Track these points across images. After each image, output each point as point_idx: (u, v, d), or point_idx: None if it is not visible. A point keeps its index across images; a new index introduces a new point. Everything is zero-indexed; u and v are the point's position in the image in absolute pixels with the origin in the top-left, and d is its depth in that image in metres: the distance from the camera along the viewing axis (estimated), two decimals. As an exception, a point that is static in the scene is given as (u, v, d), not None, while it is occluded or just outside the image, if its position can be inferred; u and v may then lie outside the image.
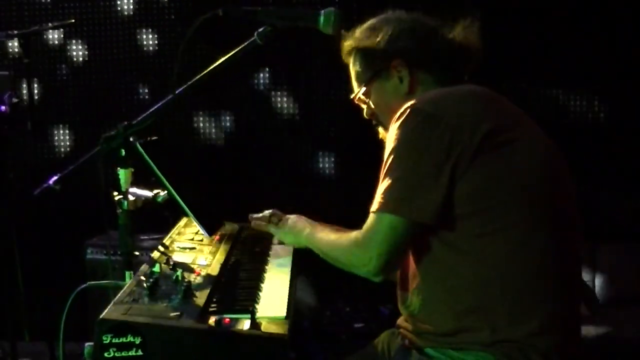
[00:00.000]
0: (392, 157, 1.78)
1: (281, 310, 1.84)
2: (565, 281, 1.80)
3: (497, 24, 3.67)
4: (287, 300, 1.93)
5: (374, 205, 1.80)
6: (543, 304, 1.76)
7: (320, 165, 4.19)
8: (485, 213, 1.75)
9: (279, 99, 4.17)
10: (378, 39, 1.96)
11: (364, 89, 2.02)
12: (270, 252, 2.39)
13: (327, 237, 2.01)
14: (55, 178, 2.06)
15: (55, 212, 3.70)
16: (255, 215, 2.38)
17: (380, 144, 1.94)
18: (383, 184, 1.79)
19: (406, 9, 2.04)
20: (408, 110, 1.79)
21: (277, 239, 2.37)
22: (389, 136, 1.82)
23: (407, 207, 1.74)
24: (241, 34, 2.05)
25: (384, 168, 1.81)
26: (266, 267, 2.24)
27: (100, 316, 1.67)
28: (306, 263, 2.28)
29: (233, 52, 2.04)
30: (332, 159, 4.19)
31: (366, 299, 3.65)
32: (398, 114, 1.81)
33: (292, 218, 2.25)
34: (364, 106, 2.07)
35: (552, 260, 1.78)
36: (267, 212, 2.36)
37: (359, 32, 2.03)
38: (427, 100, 1.82)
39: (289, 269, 2.23)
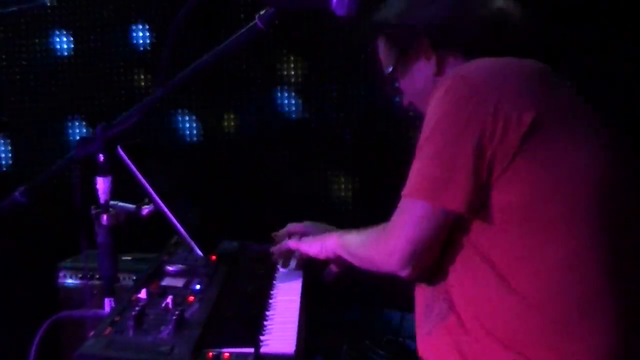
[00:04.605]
0: (429, 130, 1.78)
1: (289, 344, 1.85)
2: (628, 313, 1.72)
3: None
4: (296, 331, 1.94)
5: (406, 188, 1.80)
6: (597, 339, 1.69)
7: (332, 185, 4.11)
8: (527, 229, 1.70)
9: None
10: (401, 14, 1.99)
11: (390, 71, 2.05)
12: (276, 275, 2.41)
13: (357, 235, 2.07)
14: (21, 189, 2.03)
15: (22, 229, 3.67)
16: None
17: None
18: (417, 163, 1.79)
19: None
20: (452, 80, 1.79)
21: (300, 252, 2.36)
22: (428, 109, 1.82)
23: (440, 192, 1.74)
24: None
25: (420, 144, 1.80)
26: (272, 293, 2.26)
27: (78, 351, 1.66)
28: (318, 287, 2.30)
29: (230, 39, 1.97)
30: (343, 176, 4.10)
31: (389, 329, 3.62)
32: (440, 84, 1.81)
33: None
34: (399, 94, 2.10)
35: (610, 286, 1.71)
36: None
37: (381, 7, 2.04)
38: (474, 70, 1.81)
39: (299, 295, 2.24)
